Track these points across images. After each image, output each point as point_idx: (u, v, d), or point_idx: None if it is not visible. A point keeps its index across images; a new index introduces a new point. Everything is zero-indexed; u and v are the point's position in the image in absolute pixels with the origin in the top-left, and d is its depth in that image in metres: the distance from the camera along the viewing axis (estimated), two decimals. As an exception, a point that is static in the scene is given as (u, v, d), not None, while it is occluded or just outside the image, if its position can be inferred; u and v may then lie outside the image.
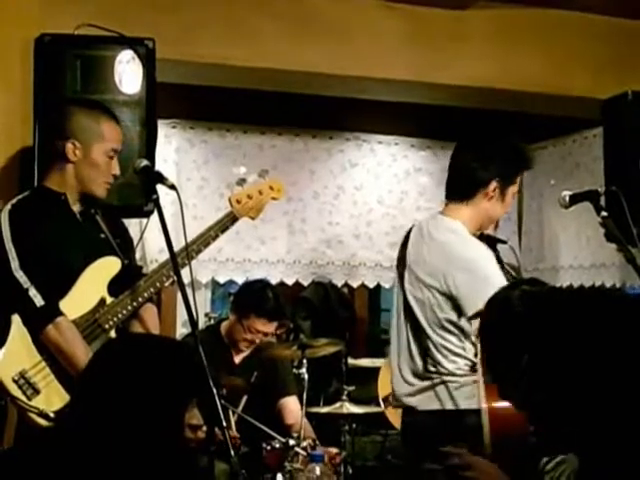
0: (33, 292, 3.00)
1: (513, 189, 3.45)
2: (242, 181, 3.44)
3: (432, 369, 3.31)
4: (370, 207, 6.20)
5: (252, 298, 4.58)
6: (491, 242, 3.81)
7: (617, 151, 4.34)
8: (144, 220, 3.70)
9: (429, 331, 3.33)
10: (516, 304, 1.95)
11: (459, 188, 3.42)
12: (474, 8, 4.85)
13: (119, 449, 1.97)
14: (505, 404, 3.03)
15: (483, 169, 3.38)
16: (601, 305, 1.88)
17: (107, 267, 3.22)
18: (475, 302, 3.15)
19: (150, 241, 5.24)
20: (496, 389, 3.00)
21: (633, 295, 3.94)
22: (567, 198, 3.38)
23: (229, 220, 3.37)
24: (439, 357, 3.31)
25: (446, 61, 4.83)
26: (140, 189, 3.49)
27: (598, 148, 4.72)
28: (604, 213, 3.29)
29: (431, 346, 3.32)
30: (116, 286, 3.20)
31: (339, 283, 6.22)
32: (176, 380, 2.08)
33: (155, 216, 3.14)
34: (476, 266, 3.26)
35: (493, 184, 3.37)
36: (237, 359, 4.56)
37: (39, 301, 3.01)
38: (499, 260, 3.78)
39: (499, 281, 3.18)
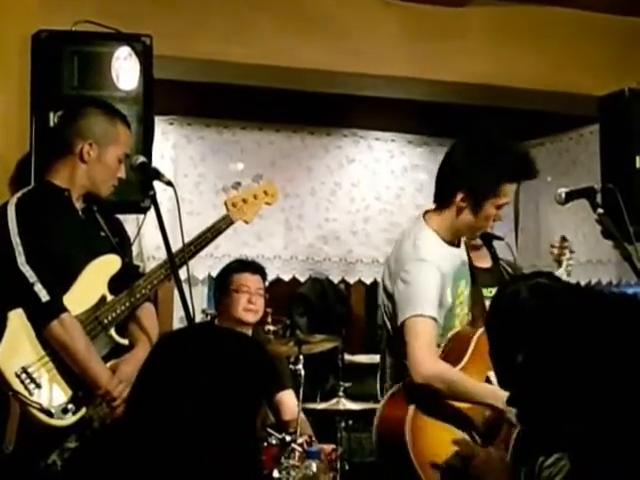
0: (39, 287, 3.00)
1: (495, 202, 3.16)
2: (237, 184, 3.48)
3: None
4: (367, 203, 6.20)
5: (227, 267, 4.65)
6: (487, 239, 3.81)
7: (614, 148, 4.35)
8: (141, 216, 3.71)
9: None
10: (526, 296, 1.95)
11: (436, 194, 3.31)
12: (472, 5, 4.86)
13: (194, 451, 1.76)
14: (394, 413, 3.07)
15: (453, 178, 3.20)
16: (611, 307, 1.87)
17: (108, 265, 3.23)
18: (402, 312, 3.13)
19: (147, 237, 5.24)
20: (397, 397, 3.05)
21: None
22: (563, 195, 3.39)
23: (225, 223, 3.40)
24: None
25: (444, 58, 4.83)
26: (137, 185, 3.48)
27: (595, 145, 4.72)
28: (600, 210, 3.31)
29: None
30: (116, 284, 3.21)
31: (336, 279, 6.22)
32: (256, 377, 1.85)
33: (152, 212, 3.15)
34: (412, 280, 3.11)
35: (459, 196, 3.16)
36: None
37: (44, 296, 3.01)
38: (495, 257, 3.76)
39: (425, 296, 3.08)
